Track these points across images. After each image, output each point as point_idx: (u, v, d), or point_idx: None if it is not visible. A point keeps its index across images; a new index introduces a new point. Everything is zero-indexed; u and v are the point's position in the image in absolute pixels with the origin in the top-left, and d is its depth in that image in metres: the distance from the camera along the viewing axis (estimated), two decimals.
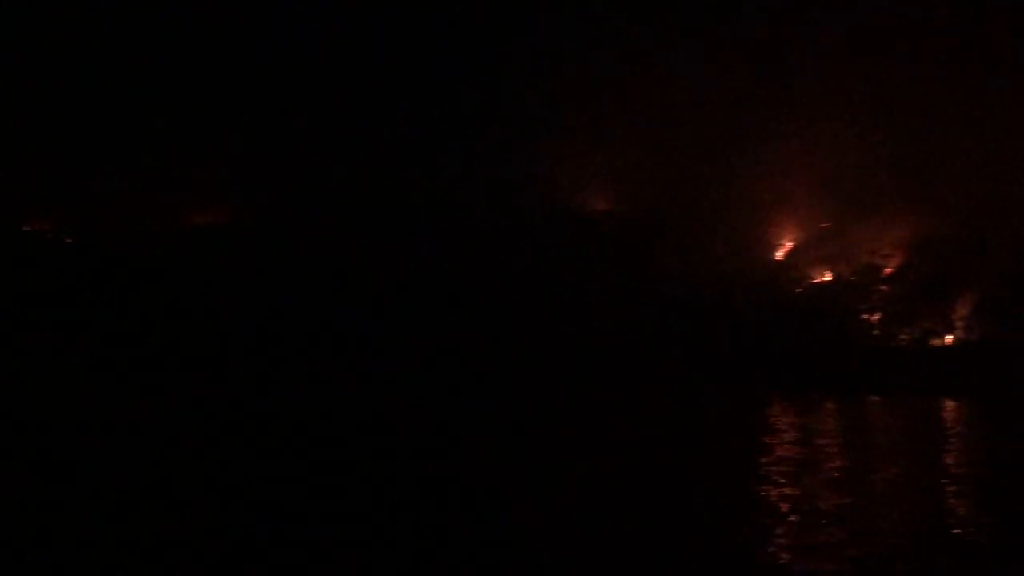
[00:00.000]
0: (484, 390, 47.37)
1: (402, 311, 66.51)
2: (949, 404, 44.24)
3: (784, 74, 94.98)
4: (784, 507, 14.56)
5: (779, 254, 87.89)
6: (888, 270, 78.43)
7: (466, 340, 63.41)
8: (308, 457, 21.30)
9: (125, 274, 62.30)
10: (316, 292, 65.62)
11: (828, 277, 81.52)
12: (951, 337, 67.70)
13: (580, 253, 76.80)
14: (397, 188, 79.46)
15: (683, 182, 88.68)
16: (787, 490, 16.37)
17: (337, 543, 12.21)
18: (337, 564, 11.38)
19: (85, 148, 70.24)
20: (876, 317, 72.88)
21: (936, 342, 67.70)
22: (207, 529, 13.27)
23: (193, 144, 72.52)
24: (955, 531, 13.11)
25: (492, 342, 63.53)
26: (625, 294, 70.43)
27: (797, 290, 79.96)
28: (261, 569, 11.17)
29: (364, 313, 65.10)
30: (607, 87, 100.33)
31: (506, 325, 66.01)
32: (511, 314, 67.04)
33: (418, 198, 79.61)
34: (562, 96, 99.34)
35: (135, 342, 54.59)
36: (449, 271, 71.41)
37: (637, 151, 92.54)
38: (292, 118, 77.35)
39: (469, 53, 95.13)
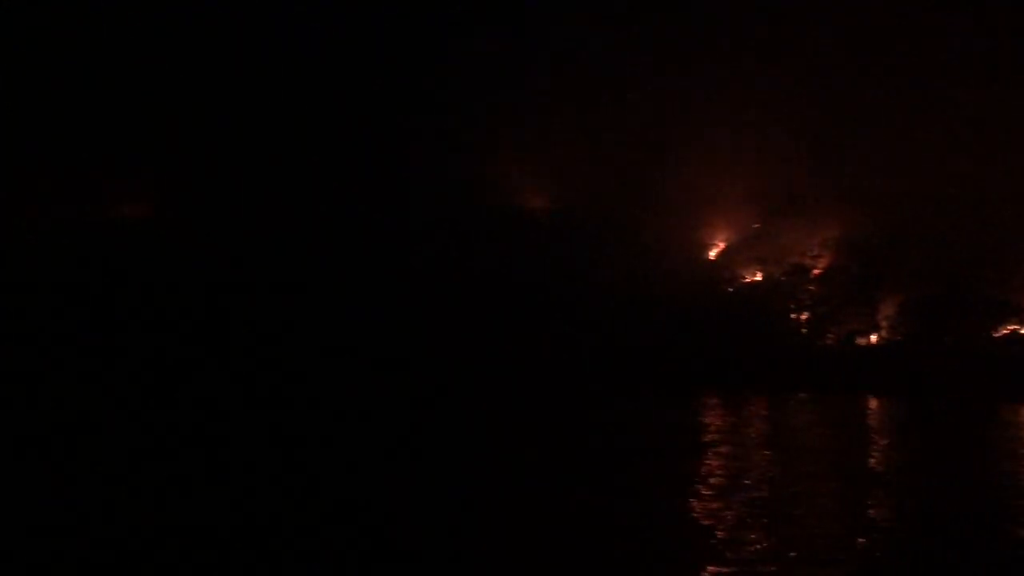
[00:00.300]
0: (420, 390, 46.61)
1: (337, 310, 65.48)
2: (873, 402, 45.26)
3: (717, 74, 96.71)
4: (709, 508, 14.41)
5: (712, 254, 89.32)
6: (816, 271, 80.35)
7: (405, 339, 62.77)
8: (227, 456, 20.41)
9: (45, 266, 59.83)
10: (252, 289, 64.08)
11: (759, 277, 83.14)
12: (876, 337, 69.61)
13: (515, 251, 76.80)
14: (334, 187, 78.40)
15: (618, 182, 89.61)
16: (713, 491, 16.25)
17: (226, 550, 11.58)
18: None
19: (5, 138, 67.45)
20: (804, 316, 74.54)
21: (862, 341, 69.53)
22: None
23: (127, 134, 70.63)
24: (872, 520, 13.11)
25: (430, 341, 62.92)
26: (560, 292, 70.59)
27: (729, 289, 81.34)
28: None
29: (300, 312, 63.82)
30: (542, 86, 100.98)
31: (443, 323, 65.54)
32: (449, 312, 66.59)
33: (355, 197, 78.74)
34: (498, 94, 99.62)
35: (52, 337, 52.35)
36: (386, 270, 70.67)
37: (572, 150, 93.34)
38: (232, 114, 75.73)
39: (410, 51, 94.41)
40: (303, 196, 75.44)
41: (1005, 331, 65.44)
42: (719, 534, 12.41)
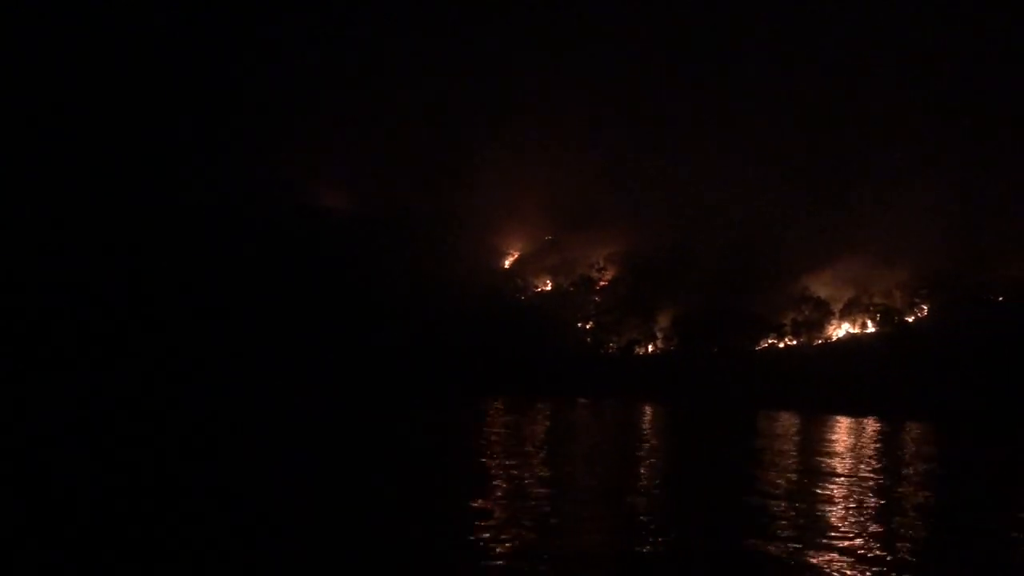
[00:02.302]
0: (201, 387, 43.62)
1: (127, 308, 60.71)
2: (648, 407, 47.64)
3: (515, 87, 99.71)
4: (481, 507, 14.26)
5: (507, 263, 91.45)
6: (602, 283, 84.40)
7: (193, 336, 59.21)
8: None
9: None
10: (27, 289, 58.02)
11: (549, 287, 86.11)
12: (652, 346, 74.02)
13: (310, 251, 74.71)
14: (129, 184, 72.86)
15: (418, 189, 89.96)
16: (486, 490, 16.15)
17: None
18: None
19: None
20: (589, 326, 77.97)
21: (640, 351, 73.63)
22: None
23: None
24: (635, 516, 13.50)
25: (219, 338, 59.67)
26: (356, 294, 69.32)
27: (521, 297, 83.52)
28: None
29: (83, 311, 58.44)
30: (344, 90, 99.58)
31: (235, 321, 62.57)
32: (241, 311, 63.65)
33: (151, 194, 73.60)
34: (299, 97, 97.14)
35: None
36: (179, 267, 66.48)
37: (373, 156, 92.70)
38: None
39: (206, 49, 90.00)
40: (96, 197, 69.76)
41: (764, 344, 71.83)
42: (485, 534, 12.24)
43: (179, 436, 23.10)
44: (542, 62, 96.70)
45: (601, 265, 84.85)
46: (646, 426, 35.24)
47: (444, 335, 64.98)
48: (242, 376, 50.79)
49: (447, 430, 30.11)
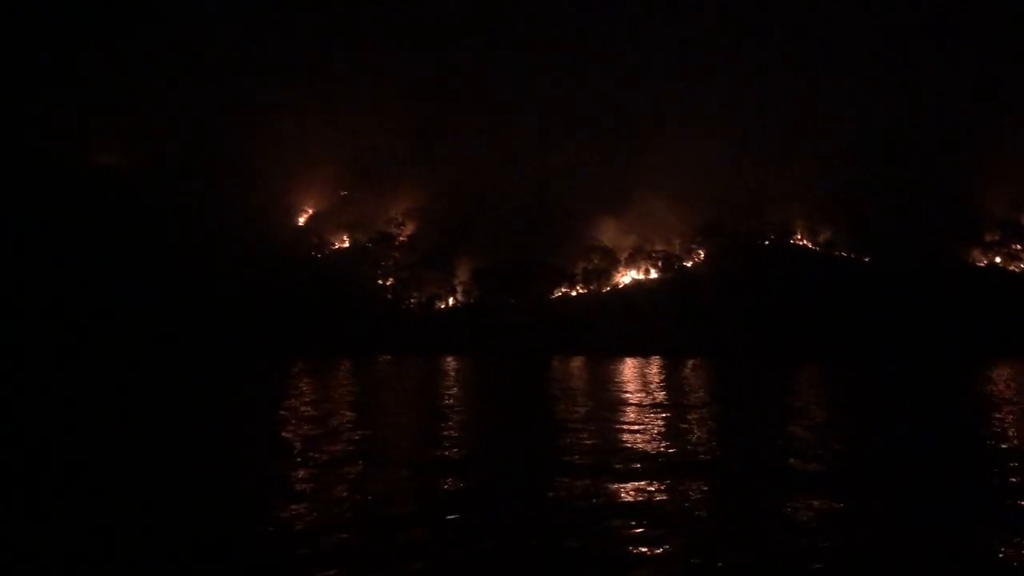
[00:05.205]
0: None
1: None
2: (451, 361, 48.44)
3: (305, 43, 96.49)
4: (287, 471, 14.00)
5: (300, 220, 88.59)
6: (401, 238, 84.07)
7: None
8: None
9: None
10: None
11: (346, 243, 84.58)
12: (453, 300, 75.07)
13: (87, 205, 68.86)
14: None
15: (203, 144, 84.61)
16: (289, 453, 15.86)
17: None
18: None
19: None
20: (390, 282, 77.63)
21: (440, 305, 74.44)
22: None
23: None
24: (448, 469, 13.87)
25: None
26: (141, 251, 64.75)
27: (318, 255, 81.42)
28: None
29: None
30: (124, 38, 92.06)
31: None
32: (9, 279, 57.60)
33: None
34: (76, 46, 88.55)
35: None
36: None
37: (156, 111, 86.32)
38: None
39: None
40: None
41: (558, 293, 74.94)
42: (302, 487, 12.07)
43: None
44: (335, 17, 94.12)
45: (400, 220, 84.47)
46: (450, 380, 35.89)
47: (235, 297, 62.26)
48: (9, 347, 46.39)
49: (245, 399, 29.12)
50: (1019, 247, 73.94)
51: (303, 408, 24.07)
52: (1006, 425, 19.49)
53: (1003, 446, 16.66)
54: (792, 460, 15.05)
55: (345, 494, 12.61)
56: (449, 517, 11.16)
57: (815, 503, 11.66)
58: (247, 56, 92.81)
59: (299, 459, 15.61)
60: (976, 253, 74.08)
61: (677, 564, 9.21)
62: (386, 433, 19.69)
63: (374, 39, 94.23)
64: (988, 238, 74.64)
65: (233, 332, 56.97)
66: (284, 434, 18.94)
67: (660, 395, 26.43)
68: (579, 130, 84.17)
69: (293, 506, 11.75)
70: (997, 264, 73.42)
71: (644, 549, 9.59)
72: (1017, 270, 72.81)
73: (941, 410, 24.02)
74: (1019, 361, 44.71)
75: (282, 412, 22.84)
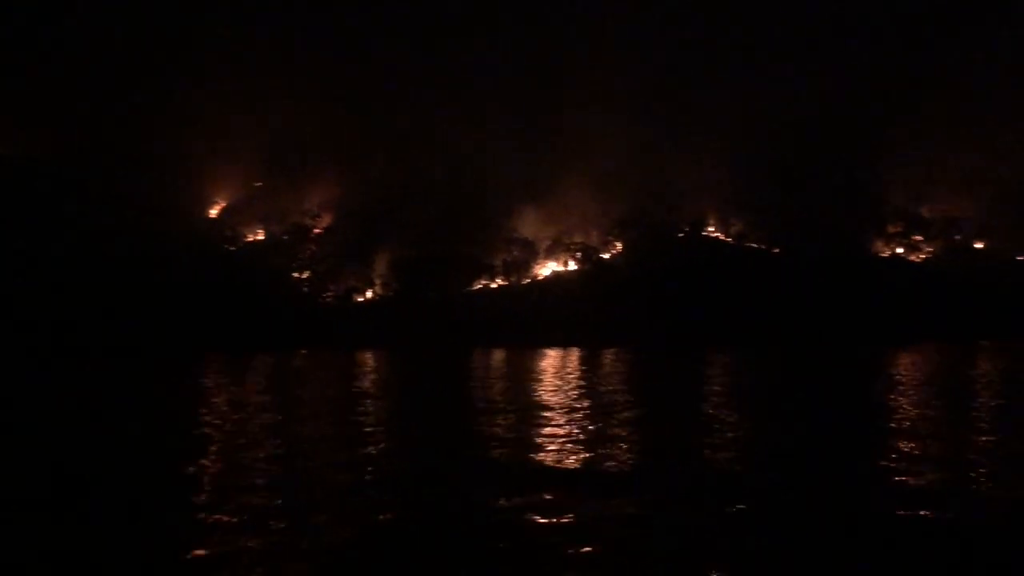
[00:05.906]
0: None
1: None
2: (369, 355, 47.74)
3: (219, 32, 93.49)
4: (203, 468, 13.51)
5: (213, 211, 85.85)
6: (317, 230, 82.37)
7: None
8: None
9: None
10: None
11: (261, 236, 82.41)
12: (371, 293, 73.99)
13: None
14: None
15: (106, 133, 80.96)
16: (205, 453, 15.33)
17: None
18: None
19: None
20: (306, 275, 75.96)
21: (358, 298, 73.27)
22: None
23: None
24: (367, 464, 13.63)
25: None
26: (33, 243, 61.65)
27: (231, 248, 79.06)
28: None
29: None
30: (23, 33, 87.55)
31: None
32: None
33: None
34: None
35: None
36: None
37: (50, 99, 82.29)
38: None
39: None
40: None
41: (478, 286, 74.74)
42: (204, 496, 11.63)
43: None
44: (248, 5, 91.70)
45: (316, 212, 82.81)
46: (367, 375, 35.39)
47: (144, 292, 59.98)
48: None
49: (158, 399, 28.10)
50: (920, 238, 77.43)
51: (213, 415, 23.38)
52: (905, 406, 20.41)
53: (904, 424, 17.43)
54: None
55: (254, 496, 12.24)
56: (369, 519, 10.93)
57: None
58: (158, 44, 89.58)
59: (212, 459, 15.12)
60: (880, 244, 77.23)
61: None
62: (303, 431, 19.26)
63: (290, 26, 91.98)
64: (891, 229, 77.88)
65: (137, 328, 54.75)
66: (201, 435, 18.34)
67: (577, 384, 26.64)
68: (500, 118, 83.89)
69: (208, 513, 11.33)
70: (899, 255, 76.74)
71: (570, 551, 9.49)
72: (918, 260, 76.24)
73: (846, 392, 24.93)
74: (920, 348, 46.83)
75: (199, 415, 22.13)
